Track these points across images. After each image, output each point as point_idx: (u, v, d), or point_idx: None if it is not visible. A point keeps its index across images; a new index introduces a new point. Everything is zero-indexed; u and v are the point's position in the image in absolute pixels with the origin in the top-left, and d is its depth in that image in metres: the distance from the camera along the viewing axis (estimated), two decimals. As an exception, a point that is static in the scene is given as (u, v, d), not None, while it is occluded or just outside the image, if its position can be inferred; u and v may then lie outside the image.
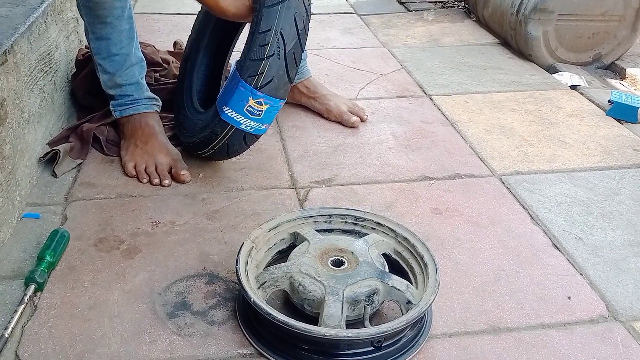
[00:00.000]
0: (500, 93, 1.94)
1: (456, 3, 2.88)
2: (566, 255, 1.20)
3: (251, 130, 1.28)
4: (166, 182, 1.37)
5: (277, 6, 1.19)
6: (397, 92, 1.94)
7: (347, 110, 1.69)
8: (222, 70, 1.56)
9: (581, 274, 1.15)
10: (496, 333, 1.00)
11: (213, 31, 1.52)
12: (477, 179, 1.45)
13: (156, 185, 1.37)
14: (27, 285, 1.03)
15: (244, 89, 1.21)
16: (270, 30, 1.19)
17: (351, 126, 1.69)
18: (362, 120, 1.72)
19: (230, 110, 1.24)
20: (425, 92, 1.94)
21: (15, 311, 0.98)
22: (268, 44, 1.19)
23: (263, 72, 1.20)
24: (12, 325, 0.95)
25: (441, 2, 2.92)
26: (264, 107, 1.24)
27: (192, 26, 1.56)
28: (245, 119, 1.25)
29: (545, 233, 1.26)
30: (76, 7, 1.66)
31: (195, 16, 1.56)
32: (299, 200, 1.35)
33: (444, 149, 1.59)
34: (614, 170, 1.51)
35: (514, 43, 2.29)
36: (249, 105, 1.23)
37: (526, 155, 1.56)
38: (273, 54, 1.20)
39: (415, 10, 2.83)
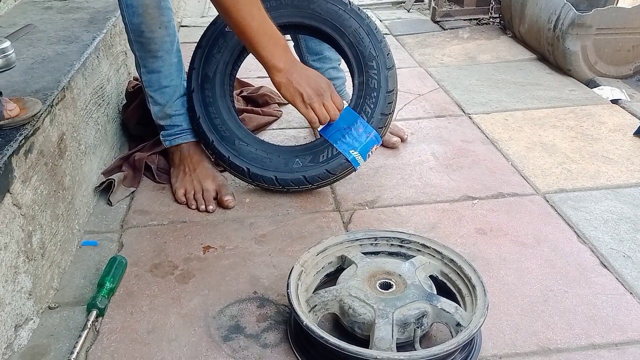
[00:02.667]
0: (540, 109, 1.93)
1: (491, 20, 2.89)
2: (615, 274, 1.19)
3: (357, 169, 1.44)
4: (211, 207, 1.41)
5: (393, 69, 1.44)
6: (435, 111, 1.96)
7: (387, 131, 1.72)
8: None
9: (631, 293, 1.14)
10: (546, 354, 1.00)
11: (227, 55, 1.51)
12: (520, 197, 1.45)
13: (203, 211, 1.41)
14: (89, 311, 1.08)
15: (375, 138, 1.41)
16: (393, 90, 1.43)
17: (392, 147, 1.71)
18: (402, 140, 1.74)
19: (359, 155, 1.41)
20: (464, 111, 1.95)
21: (80, 336, 1.03)
22: (392, 102, 1.43)
23: (387, 125, 1.44)
24: (77, 350, 1.00)
25: (476, 19, 2.93)
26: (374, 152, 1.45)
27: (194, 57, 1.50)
28: (363, 162, 1.42)
29: (592, 252, 1.25)
30: (125, 41, 1.74)
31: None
32: (343, 222, 1.38)
33: (485, 168, 1.60)
34: (661, 186, 1.49)
35: (552, 58, 2.28)
36: (371, 151, 1.43)
37: (569, 172, 1.55)
38: (393, 111, 1.44)
39: (450, 29, 2.84)
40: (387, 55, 1.43)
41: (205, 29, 1.49)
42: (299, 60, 1.34)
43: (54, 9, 1.87)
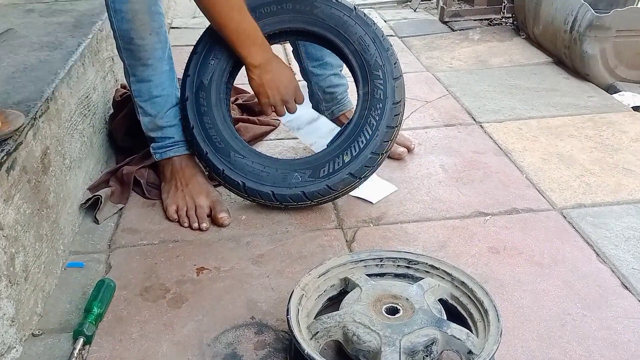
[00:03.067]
0: (557, 118, 1.95)
1: (504, 20, 2.92)
2: (637, 296, 1.20)
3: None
4: (204, 225, 1.43)
5: (401, 79, 1.46)
6: (444, 120, 1.97)
7: (394, 144, 1.73)
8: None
9: (655, 317, 1.15)
10: (565, 383, 1.01)
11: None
12: (536, 213, 1.47)
13: (196, 229, 1.43)
14: (75, 338, 1.09)
15: None
16: (400, 102, 1.44)
17: (398, 158, 1.73)
18: (409, 151, 1.75)
19: None
20: (475, 119, 1.97)
21: (66, 366, 1.04)
22: (400, 114, 1.44)
23: (393, 139, 1.45)
24: (63, 380, 1.01)
25: (487, 19, 2.96)
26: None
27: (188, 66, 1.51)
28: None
29: (613, 272, 1.27)
30: (112, 46, 1.77)
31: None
32: (346, 241, 1.39)
33: (498, 181, 1.61)
34: (686, 200, 1.50)
35: (569, 62, 2.31)
36: None
37: (588, 186, 1.57)
38: (400, 123, 1.45)
39: (459, 30, 2.87)
40: (394, 64, 1.45)
41: (201, 33, 1.50)
42: (277, 57, 1.45)
43: (36, 11, 1.90)
